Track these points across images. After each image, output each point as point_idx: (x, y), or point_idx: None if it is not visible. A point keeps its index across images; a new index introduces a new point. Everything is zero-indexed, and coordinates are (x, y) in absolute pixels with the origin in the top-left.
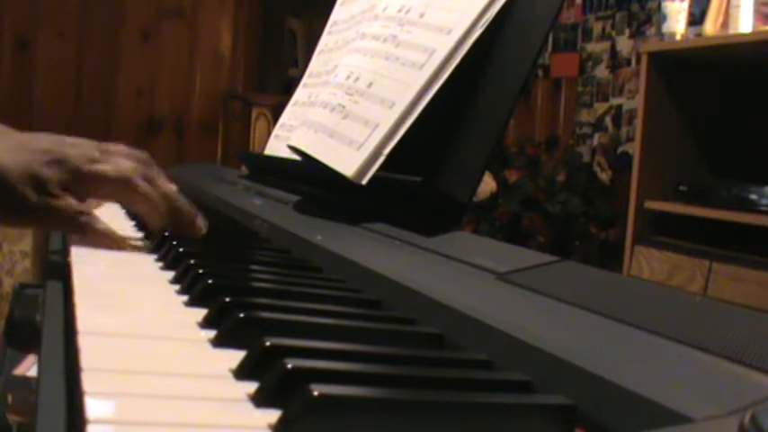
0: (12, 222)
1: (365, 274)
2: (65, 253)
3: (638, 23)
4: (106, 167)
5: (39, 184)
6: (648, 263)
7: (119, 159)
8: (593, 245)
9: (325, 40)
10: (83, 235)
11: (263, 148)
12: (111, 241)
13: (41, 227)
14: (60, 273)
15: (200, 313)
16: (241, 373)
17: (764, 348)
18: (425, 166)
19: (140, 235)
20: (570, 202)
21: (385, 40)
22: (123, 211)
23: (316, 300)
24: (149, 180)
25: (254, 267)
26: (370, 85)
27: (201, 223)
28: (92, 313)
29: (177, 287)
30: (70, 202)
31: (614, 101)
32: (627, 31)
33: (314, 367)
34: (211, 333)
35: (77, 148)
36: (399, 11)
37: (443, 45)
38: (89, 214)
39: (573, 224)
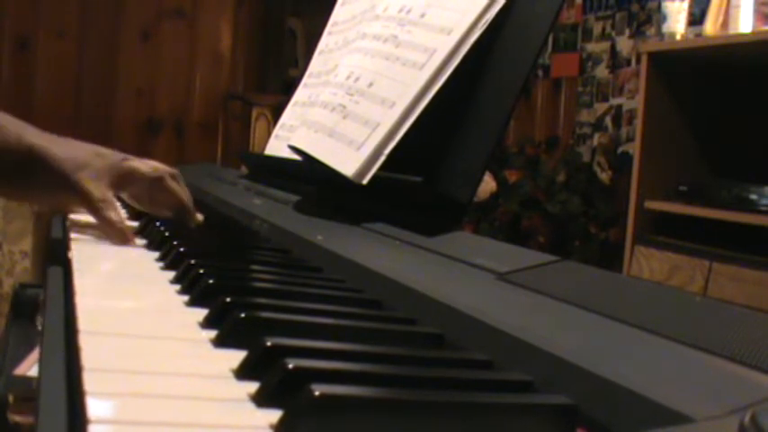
0: (44, 200)
1: (365, 274)
2: (64, 253)
3: (638, 23)
4: (141, 165)
5: (79, 167)
6: (648, 263)
7: (148, 162)
8: (593, 245)
9: (326, 41)
10: (96, 219)
11: (263, 148)
12: (116, 232)
13: (68, 205)
14: (61, 274)
15: (201, 313)
16: (242, 373)
17: (764, 348)
18: (426, 166)
19: (135, 224)
20: (570, 202)
21: (386, 41)
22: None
23: (316, 300)
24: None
25: (254, 267)
26: (370, 85)
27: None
28: (93, 313)
29: (178, 287)
30: (97, 188)
31: (614, 101)
32: (627, 31)
33: (315, 367)
34: (212, 333)
35: (114, 151)
36: (400, 11)
37: (444, 45)
38: (108, 203)
39: (573, 224)
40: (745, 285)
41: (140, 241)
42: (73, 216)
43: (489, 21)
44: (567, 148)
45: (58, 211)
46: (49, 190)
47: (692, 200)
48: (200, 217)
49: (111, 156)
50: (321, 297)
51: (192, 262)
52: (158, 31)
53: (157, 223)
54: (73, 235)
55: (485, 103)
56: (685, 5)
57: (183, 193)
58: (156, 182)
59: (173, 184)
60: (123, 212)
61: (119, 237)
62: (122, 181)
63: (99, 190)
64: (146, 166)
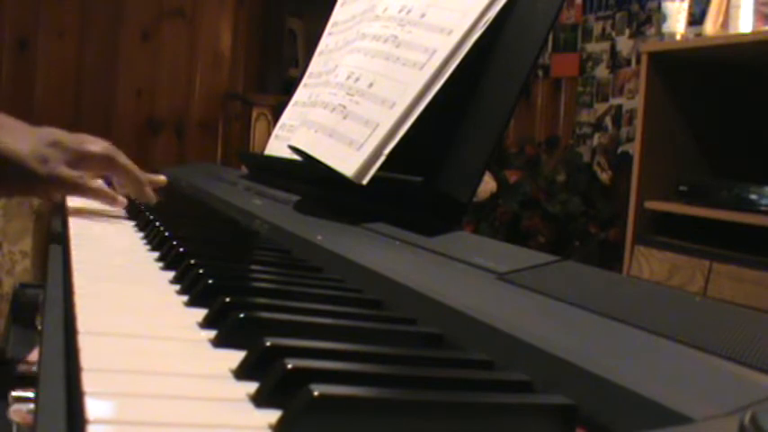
0: (23, 192)
1: (365, 274)
2: (64, 253)
3: (638, 23)
4: (93, 146)
5: (43, 159)
6: (648, 263)
7: (99, 142)
8: (593, 245)
9: (326, 41)
10: (82, 195)
11: (264, 148)
12: (105, 197)
13: (49, 194)
14: (60, 274)
15: (201, 313)
16: (241, 373)
17: (764, 348)
18: (426, 166)
19: (132, 223)
20: (570, 202)
21: (386, 41)
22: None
23: (316, 300)
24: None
25: (254, 267)
26: (370, 85)
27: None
28: (92, 313)
29: (177, 287)
30: (69, 170)
31: (614, 101)
32: (627, 31)
33: (314, 367)
34: (211, 333)
35: (69, 135)
36: (400, 11)
37: (444, 45)
38: (84, 177)
39: (573, 224)
40: (745, 285)
41: (140, 241)
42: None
43: (489, 21)
44: (567, 148)
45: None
46: (16, 184)
47: (692, 200)
48: (153, 193)
49: (65, 141)
50: (321, 297)
51: (192, 262)
52: (158, 31)
53: (157, 223)
54: (73, 234)
55: (485, 103)
56: (685, 5)
57: (136, 169)
58: (109, 160)
59: (124, 161)
60: (126, 218)
61: (109, 200)
62: (79, 162)
63: (69, 171)
64: (97, 146)
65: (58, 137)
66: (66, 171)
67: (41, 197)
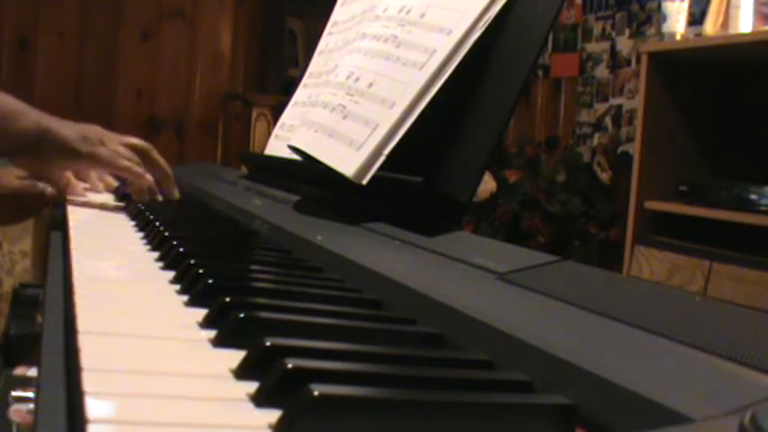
0: (69, 166)
1: (365, 274)
2: (64, 252)
3: (638, 23)
4: (129, 138)
5: (84, 140)
6: (648, 263)
7: (132, 139)
8: (593, 245)
9: (326, 41)
10: (115, 171)
11: (264, 148)
12: (133, 173)
13: (79, 169)
14: (60, 273)
15: (201, 313)
16: (241, 372)
17: (764, 348)
18: (425, 166)
19: (132, 223)
20: (570, 202)
21: (386, 41)
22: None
23: (316, 300)
24: (133, 160)
25: (254, 267)
26: (370, 85)
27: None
28: (92, 313)
29: (177, 287)
30: (104, 150)
31: (614, 101)
32: (627, 31)
33: (314, 367)
34: (211, 333)
35: (105, 130)
36: (400, 11)
37: (444, 45)
38: (117, 155)
39: (573, 224)
40: (745, 285)
41: (140, 241)
42: (71, 200)
43: (489, 21)
44: (567, 148)
45: (62, 189)
46: (62, 160)
47: (692, 200)
48: (176, 193)
49: (103, 131)
50: (321, 297)
51: (192, 262)
52: (158, 31)
53: (157, 223)
54: (73, 234)
55: (485, 103)
56: (685, 5)
57: (166, 164)
58: (144, 152)
59: (158, 156)
60: (126, 218)
61: (138, 176)
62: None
63: (106, 151)
64: (133, 139)
65: (98, 128)
66: (102, 150)
67: (75, 172)
